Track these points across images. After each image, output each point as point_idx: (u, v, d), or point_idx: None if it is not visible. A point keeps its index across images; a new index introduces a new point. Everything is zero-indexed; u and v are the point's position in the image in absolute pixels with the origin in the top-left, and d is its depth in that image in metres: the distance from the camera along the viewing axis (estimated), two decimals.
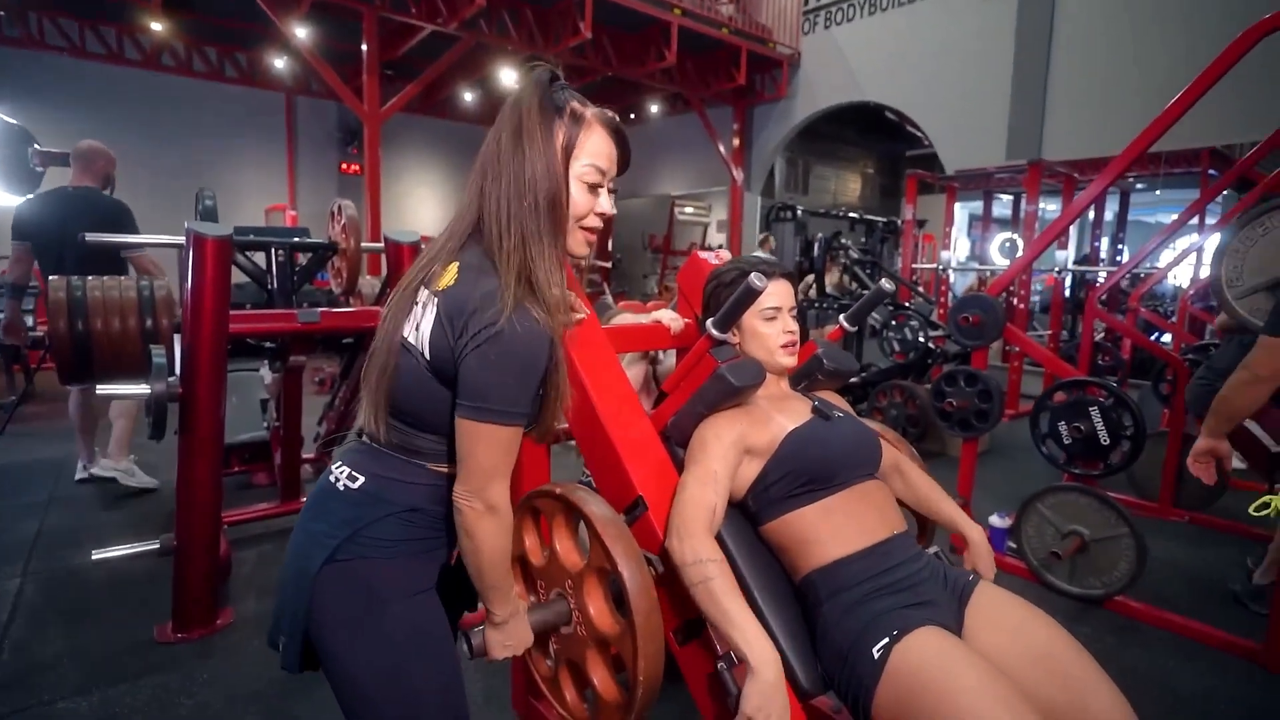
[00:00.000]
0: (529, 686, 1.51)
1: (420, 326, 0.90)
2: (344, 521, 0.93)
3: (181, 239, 1.95)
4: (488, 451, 0.88)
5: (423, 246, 1.51)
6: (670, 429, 1.26)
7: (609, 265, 8.31)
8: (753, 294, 1.13)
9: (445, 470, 0.96)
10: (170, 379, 1.94)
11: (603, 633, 1.04)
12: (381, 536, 0.94)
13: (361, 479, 0.95)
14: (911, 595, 1.09)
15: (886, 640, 1.01)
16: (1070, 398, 2.50)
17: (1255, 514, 1.69)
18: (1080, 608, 2.42)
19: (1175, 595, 2.52)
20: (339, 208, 2.53)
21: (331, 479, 0.98)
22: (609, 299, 4.89)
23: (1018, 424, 5.06)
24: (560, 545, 1.09)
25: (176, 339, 2.01)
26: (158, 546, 2.08)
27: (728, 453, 1.16)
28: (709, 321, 1.22)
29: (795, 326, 1.30)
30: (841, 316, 1.59)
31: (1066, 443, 2.49)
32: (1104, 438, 2.39)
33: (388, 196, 8.31)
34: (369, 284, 2.94)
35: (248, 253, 2.47)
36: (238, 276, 2.20)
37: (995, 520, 2.78)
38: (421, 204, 11.08)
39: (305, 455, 3.12)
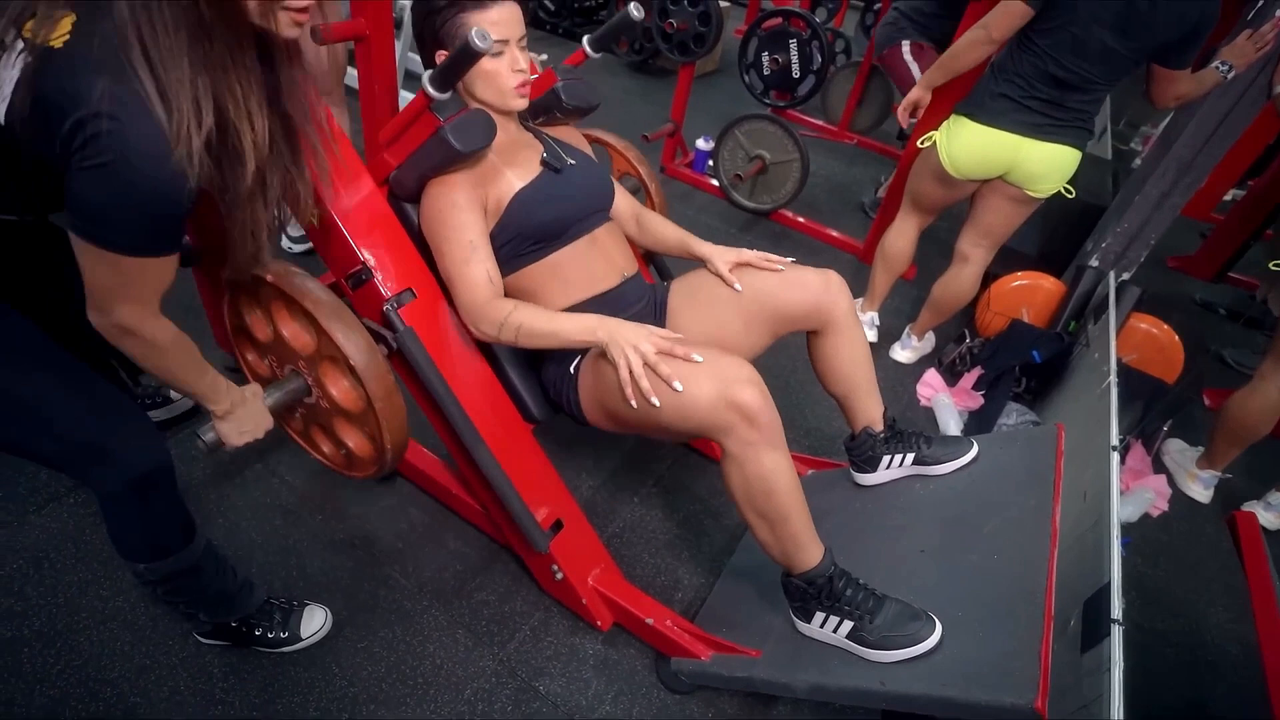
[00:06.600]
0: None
1: None
2: None
3: None
4: (106, 274, 0.75)
5: None
6: (392, 183, 1.19)
7: None
8: (473, 56, 0.97)
9: None
10: None
11: (346, 409, 1.09)
12: None
13: None
14: None
15: (579, 358, 1.20)
16: (776, 28, 2.61)
17: (921, 146, 1.91)
18: (751, 219, 2.95)
19: (823, 206, 3.15)
20: None
21: None
22: None
23: None
24: (285, 329, 1.06)
25: None
26: None
27: (472, 216, 1.13)
28: (425, 77, 1.06)
29: (526, 63, 1.14)
30: (585, 39, 1.49)
31: (765, 73, 2.69)
32: (796, 70, 2.62)
33: None
34: None
35: None
36: None
37: (700, 144, 3.08)
38: None
39: None
